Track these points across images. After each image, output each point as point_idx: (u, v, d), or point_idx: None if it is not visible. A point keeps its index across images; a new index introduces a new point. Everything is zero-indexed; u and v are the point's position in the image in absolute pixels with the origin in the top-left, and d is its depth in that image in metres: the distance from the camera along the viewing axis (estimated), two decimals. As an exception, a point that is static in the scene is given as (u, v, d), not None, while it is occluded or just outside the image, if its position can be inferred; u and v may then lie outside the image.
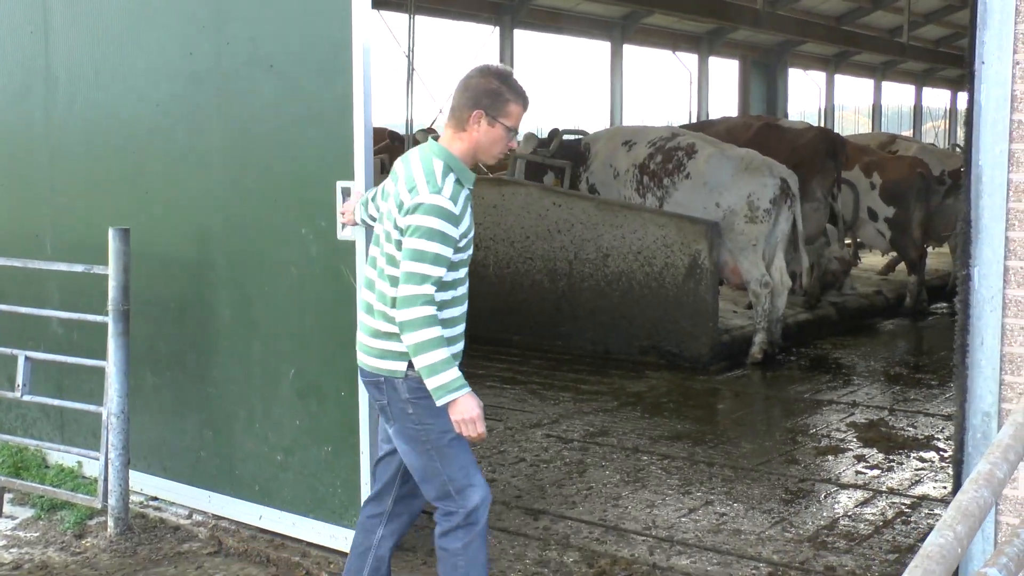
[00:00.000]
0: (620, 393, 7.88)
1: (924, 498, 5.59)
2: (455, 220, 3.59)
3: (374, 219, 4.02)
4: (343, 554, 4.67)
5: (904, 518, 5.30)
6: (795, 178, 9.05)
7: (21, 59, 5.87)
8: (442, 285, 3.63)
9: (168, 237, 5.35)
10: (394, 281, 3.66)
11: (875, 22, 30.09)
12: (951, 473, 3.83)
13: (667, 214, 9.02)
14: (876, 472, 6.04)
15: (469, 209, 3.73)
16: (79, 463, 5.91)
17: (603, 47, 26.87)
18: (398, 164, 3.81)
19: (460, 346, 3.81)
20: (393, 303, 3.64)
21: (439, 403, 3.58)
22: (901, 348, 10.24)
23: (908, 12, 27.43)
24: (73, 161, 5.73)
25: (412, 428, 3.74)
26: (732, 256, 8.95)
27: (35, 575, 4.83)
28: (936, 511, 5.47)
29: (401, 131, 16.59)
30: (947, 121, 37.40)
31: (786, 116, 27.39)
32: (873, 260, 14.02)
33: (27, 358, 5.40)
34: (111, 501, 5.12)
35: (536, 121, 16.62)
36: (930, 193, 11.48)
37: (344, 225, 4.57)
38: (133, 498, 5.39)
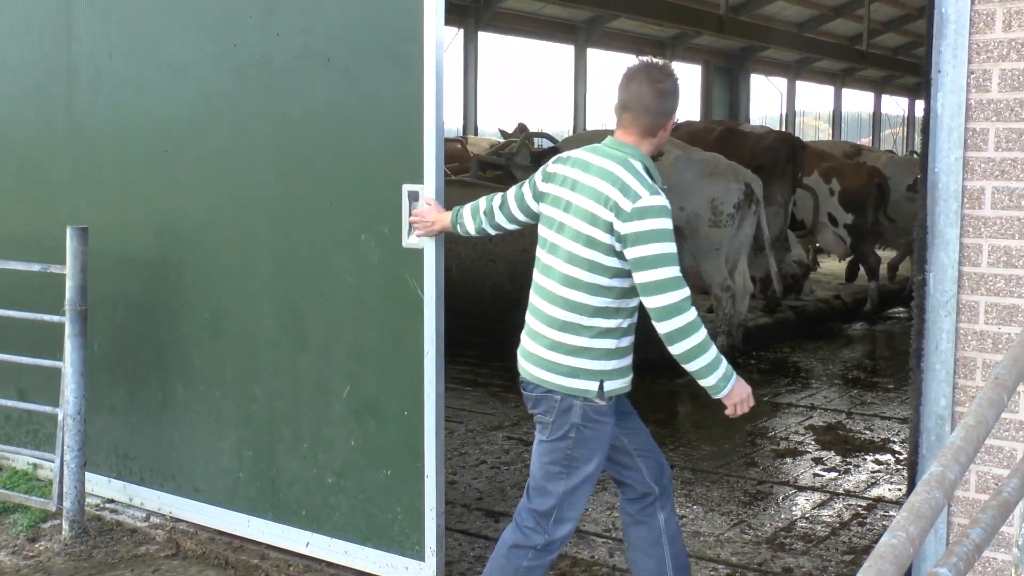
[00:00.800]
0: (581, 396, 7.87)
1: (880, 500, 5.64)
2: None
3: (498, 228, 3.81)
4: (306, 557, 4.68)
5: (860, 520, 5.33)
6: (759, 183, 9.10)
7: (40, 53, 5.42)
8: (633, 291, 3.48)
9: (204, 242, 4.95)
10: (597, 290, 3.46)
11: (836, 30, 30.37)
12: (906, 475, 3.86)
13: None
14: (833, 474, 6.09)
15: None
16: (33, 466, 5.72)
17: (567, 51, 26.89)
18: (567, 169, 3.55)
19: None
20: (596, 313, 3.46)
21: (719, 396, 3.53)
22: (859, 352, 10.33)
23: (868, 20, 27.71)
24: (97, 161, 5.29)
25: (563, 451, 3.56)
26: (695, 260, 8.97)
27: (-16, 580, 4.62)
28: (891, 513, 5.49)
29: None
30: (905, 128, 37.75)
31: (748, 121, 27.51)
32: (832, 265, 14.15)
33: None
34: (66, 504, 4.97)
35: (500, 124, 16.69)
36: (887, 202, 11.66)
37: (412, 231, 4.22)
38: (90, 500, 5.23)
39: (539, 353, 3.57)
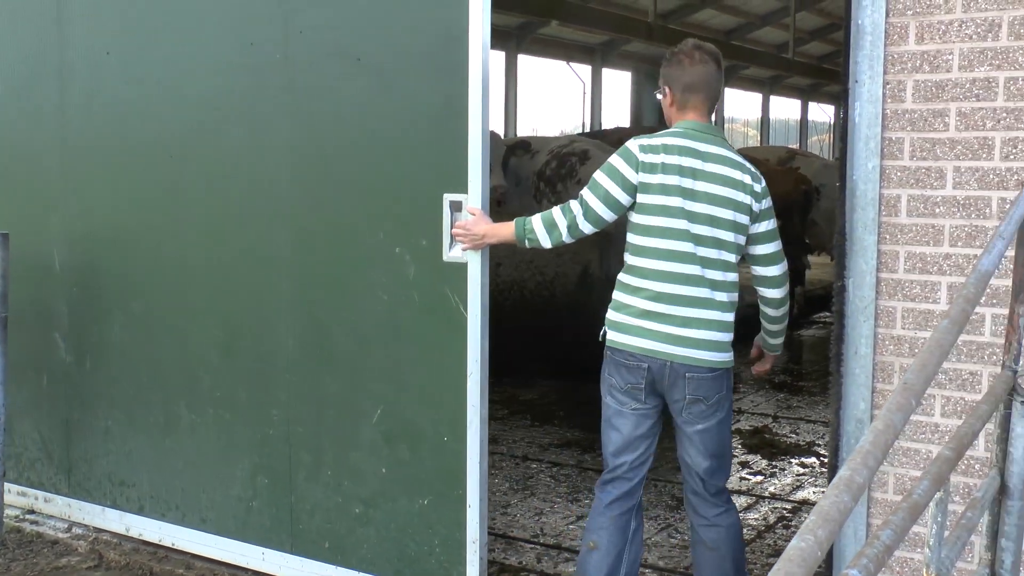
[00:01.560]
0: (511, 401, 7.79)
1: (805, 503, 5.67)
2: None
3: (578, 236, 3.65)
4: (233, 567, 4.59)
5: (785, 522, 5.36)
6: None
7: (28, 49, 4.99)
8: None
9: (214, 254, 4.55)
10: (733, 268, 3.64)
11: (763, 38, 30.69)
12: (828, 478, 3.94)
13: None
14: (759, 478, 6.13)
15: None
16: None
17: (498, 56, 26.93)
18: (675, 158, 3.54)
19: None
20: (733, 288, 3.63)
21: (777, 352, 3.99)
22: (785, 356, 10.32)
23: (794, 29, 28.09)
24: (90, 164, 4.88)
25: (726, 413, 3.71)
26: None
27: None
28: (816, 515, 5.57)
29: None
30: (831, 135, 38.38)
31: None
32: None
33: None
34: (-18, 516, 4.79)
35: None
36: (811, 208, 11.82)
37: (455, 245, 3.92)
38: (9, 512, 5.08)
39: (704, 336, 3.57)
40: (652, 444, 3.75)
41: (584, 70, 29.08)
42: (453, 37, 3.88)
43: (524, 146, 9.71)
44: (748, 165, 3.64)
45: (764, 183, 3.64)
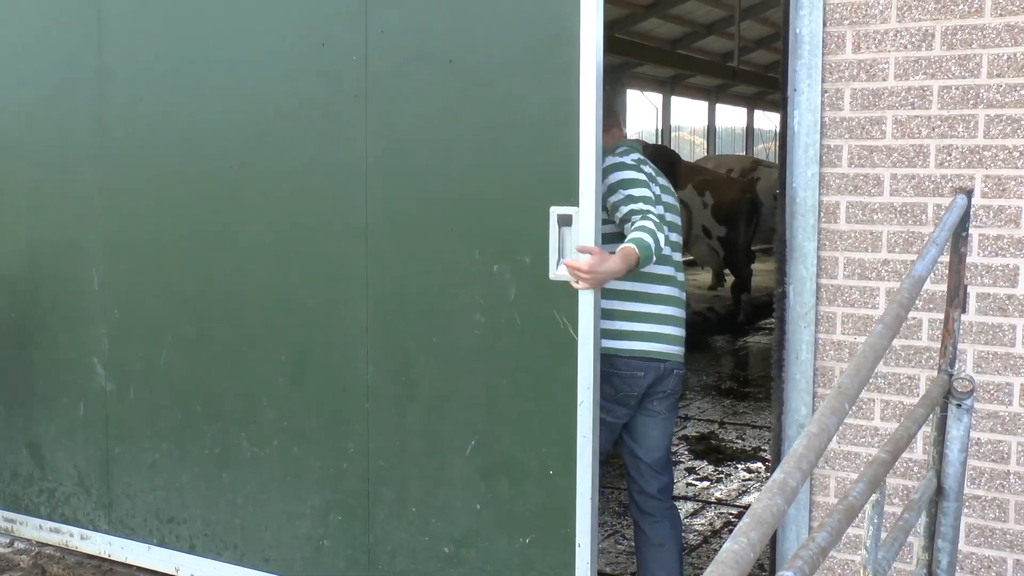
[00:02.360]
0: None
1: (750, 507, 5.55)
2: None
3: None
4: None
5: (731, 527, 5.29)
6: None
7: (63, 52, 4.55)
8: None
9: (279, 274, 4.13)
10: (681, 267, 3.88)
11: (709, 47, 30.79)
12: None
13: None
14: (706, 483, 6.11)
15: None
16: None
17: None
18: (651, 169, 3.85)
19: None
20: (685, 287, 3.87)
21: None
22: (731, 363, 10.31)
23: (738, 38, 28.20)
24: (133, 176, 4.43)
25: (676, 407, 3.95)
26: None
27: None
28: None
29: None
30: (776, 143, 38.64)
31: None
32: (704, 277, 14.27)
33: None
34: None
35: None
36: (759, 215, 11.88)
37: (561, 262, 3.55)
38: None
39: (677, 333, 3.80)
40: None
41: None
42: (562, 36, 3.52)
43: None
44: None
45: None
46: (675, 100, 33.12)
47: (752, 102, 36.60)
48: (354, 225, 3.98)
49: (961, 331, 3.11)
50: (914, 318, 3.27)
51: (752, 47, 30.54)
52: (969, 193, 2.57)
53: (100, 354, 4.59)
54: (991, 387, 3.22)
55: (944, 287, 2.97)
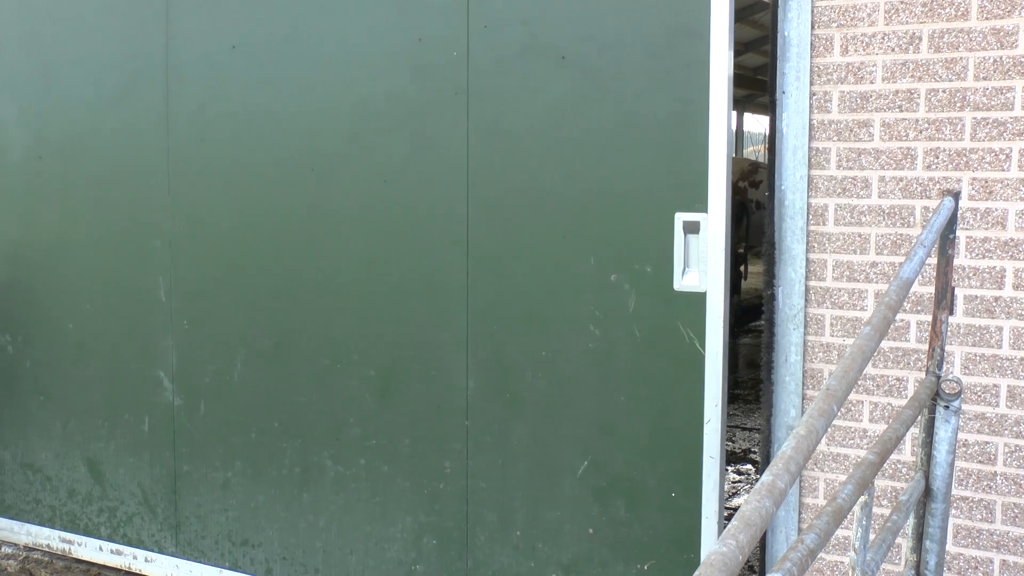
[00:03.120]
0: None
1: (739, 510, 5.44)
2: None
3: None
4: None
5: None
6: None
7: (129, 47, 4.25)
8: None
9: (368, 283, 3.86)
10: None
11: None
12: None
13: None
14: None
15: None
16: None
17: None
18: None
19: None
20: None
21: None
22: None
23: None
24: (204, 181, 4.14)
25: None
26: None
27: None
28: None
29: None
30: (766, 145, 38.71)
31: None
32: None
33: None
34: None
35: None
36: (747, 218, 11.82)
37: (689, 270, 3.39)
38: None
39: None
40: None
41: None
42: (690, 32, 3.27)
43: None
44: None
45: None
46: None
47: (742, 105, 36.47)
48: (453, 230, 3.71)
49: (949, 333, 3.14)
50: (902, 320, 3.25)
51: (742, 50, 30.41)
52: (956, 195, 2.55)
53: (167, 367, 4.29)
54: (978, 388, 3.19)
55: (932, 289, 3.06)
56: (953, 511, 3.23)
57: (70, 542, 4.61)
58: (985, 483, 3.22)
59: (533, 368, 3.62)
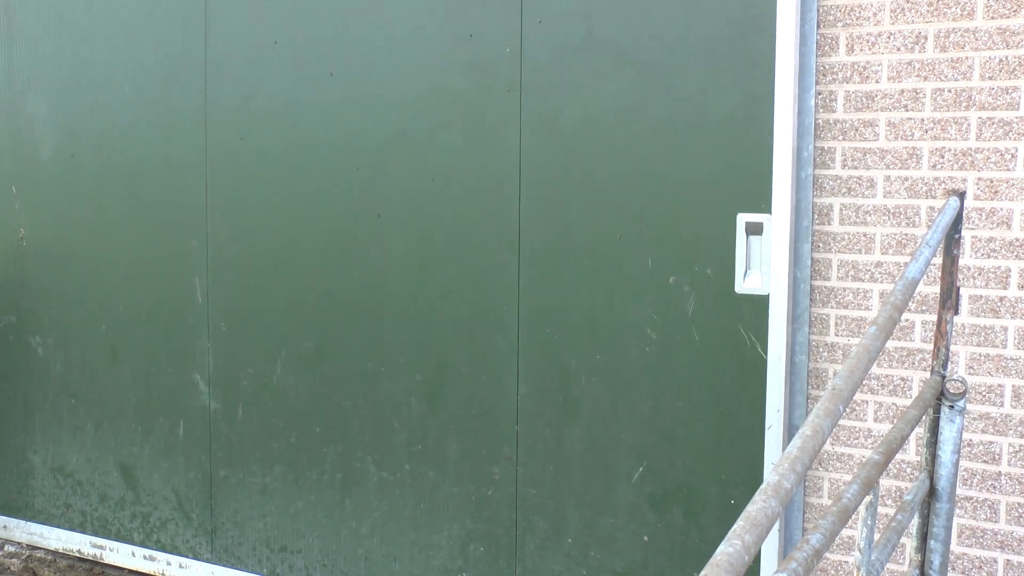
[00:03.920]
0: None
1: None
2: None
3: None
4: None
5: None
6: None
7: (167, 41, 4.14)
8: None
9: (415, 285, 3.75)
10: None
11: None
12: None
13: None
14: None
15: None
16: None
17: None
18: None
19: None
20: None
21: None
22: None
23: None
24: (244, 179, 4.02)
25: None
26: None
27: None
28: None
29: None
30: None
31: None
32: None
33: None
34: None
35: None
36: None
37: (751, 272, 3.28)
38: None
39: None
40: None
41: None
42: (755, 26, 3.17)
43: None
44: None
45: None
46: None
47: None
48: (505, 231, 3.59)
49: (954, 333, 3.13)
50: (907, 320, 3.23)
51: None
52: (962, 195, 2.51)
53: (203, 370, 4.17)
54: (983, 388, 3.15)
55: (937, 289, 3.03)
56: (957, 511, 3.20)
57: (101, 547, 4.48)
58: (989, 483, 3.21)
59: (588, 372, 3.51)
